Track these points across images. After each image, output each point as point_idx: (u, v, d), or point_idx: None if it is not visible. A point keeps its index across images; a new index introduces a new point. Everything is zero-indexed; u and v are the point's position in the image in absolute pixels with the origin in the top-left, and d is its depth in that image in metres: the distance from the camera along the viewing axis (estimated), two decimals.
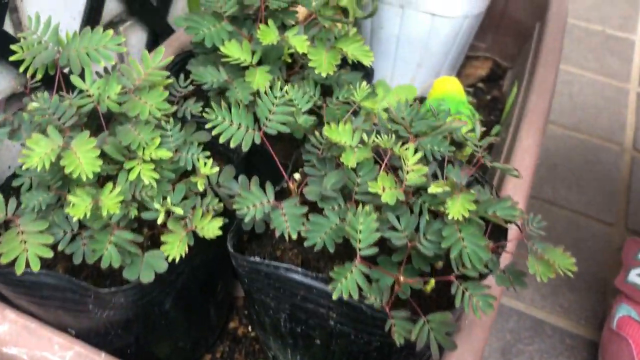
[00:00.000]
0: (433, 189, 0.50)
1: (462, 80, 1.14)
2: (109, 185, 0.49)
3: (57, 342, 0.57)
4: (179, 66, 0.72)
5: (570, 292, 1.11)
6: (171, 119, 0.55)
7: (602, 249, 1.22)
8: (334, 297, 0.45)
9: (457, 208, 0.48)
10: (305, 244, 0.49)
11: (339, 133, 0.54)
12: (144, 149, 0.53)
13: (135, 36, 0.86)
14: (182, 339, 0.66)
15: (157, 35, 0.89)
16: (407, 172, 0.51)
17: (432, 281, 0.47)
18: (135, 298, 0.53)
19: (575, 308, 1.10)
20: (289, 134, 0.73)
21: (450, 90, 0.94)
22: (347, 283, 0.46)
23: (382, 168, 0.53)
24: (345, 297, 0.45)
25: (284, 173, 0.57)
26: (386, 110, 0.61)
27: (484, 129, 0.63)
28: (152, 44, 0.89)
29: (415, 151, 0.57)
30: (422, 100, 1.06)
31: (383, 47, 1.03)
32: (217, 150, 0.68)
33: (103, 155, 0.54)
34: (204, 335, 0.70)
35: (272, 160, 0.56)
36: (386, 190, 0.49)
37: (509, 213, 0.50)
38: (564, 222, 1.26)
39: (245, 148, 0.54)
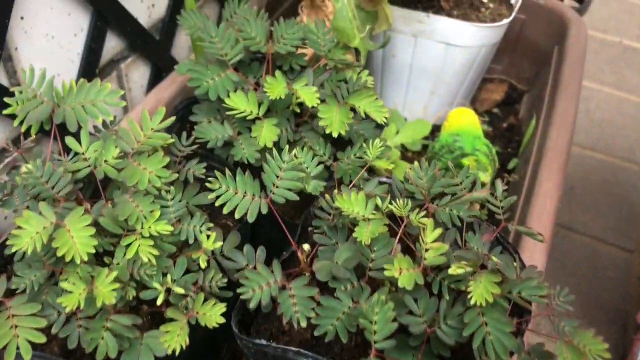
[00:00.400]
0: (454, 270, 0.46)
1: (477, 106, 1.10)
2: (104, 270, 0.46)
3: None
4: (181, 114, 0.69)
5: (589, 325, 1.07)
6: (172, 188, 0.52)
7: (622, 278, 1.18)
8: None
9: (480, 292, 0.45)
10: (316, 332, 0.46)
11: (352, 203, 0.51)
12: (142, 223, 0.49)
13: (138, 72, 0.83)
14: None
15: (161, 69, 0.86)
16: (426, 251, 0.48)
17: None
18: None
19: None
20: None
21: (466, 124, 0.90)
22: None
23: (397, 239, 0.49)
24: None
25: (292, 242, 0.53)
26: (402, 146, 0.57)
27: (505, 185, 0.59)
28: (156, 79, 0.86)
29: (434, 219, 0.54)
30: (435, 129, 1.02)
31: (395, 75, 0.99)
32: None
33: (99, 226, 0.50)
34: None
35: (278, 223, 0.53)
36: (403, 272, 0.46)
37: (534, 293, 0.46)
38: (581, 249, 1.22)
39: (250, 219, 0.50)
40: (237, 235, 0.55)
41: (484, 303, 0.45)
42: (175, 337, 0.45)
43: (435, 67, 0.94)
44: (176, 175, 0.52)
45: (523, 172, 0.88)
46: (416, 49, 0.92)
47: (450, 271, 0.46)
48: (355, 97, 0.58)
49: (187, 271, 0.51)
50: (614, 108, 1.54)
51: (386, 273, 0.46)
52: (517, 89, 1.16)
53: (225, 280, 0.51)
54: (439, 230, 0.48)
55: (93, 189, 0.56)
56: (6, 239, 0.56)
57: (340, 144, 0.64)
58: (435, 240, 0.48)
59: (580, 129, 1.48)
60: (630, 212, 1.30)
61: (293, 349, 0.48)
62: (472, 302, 0.45)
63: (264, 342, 0.49)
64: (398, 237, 0.50)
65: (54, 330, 0.48)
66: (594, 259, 1.20)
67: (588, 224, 1.26)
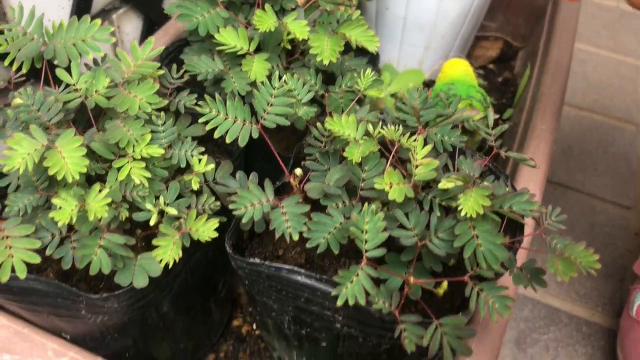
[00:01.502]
0: (444, 184, 0.46)
1: (471, 62, 1.10)
2: (96, 186, 0.46)
3: (51, 347, 0.54)
4: (173, 55, 0.69)
5: (586, 279, 1.08)
6: (162, 114, 0.52)
7: (619, 233, 1.18)
8: (339, 303, 0.42)
9: (471, 204, 0.45)
10: (308, 245, 0.46)
11: (342, 125, 0.51)
12: (134, 146, 0.49)
13: (130, 24, 0.83)
14: (183, 340, 0.63)
15: (154, 22, 0.86)
16: (416, 167, 0.48)
17: (445, 284, 0.44)
18: (129, 302, 0.50)
19: (592, 295, 1.06)
20: (290, 125, 0.70)
21: (461, 74, 0.90)
22: (352, 287, 0.43)
23: (389, 162, 0.49)
24: (351, 302, 0.42)
25: (284, 168, 0.53)
26: (394, 95, 0.57)
27: (497, 116, 0.59)
28: (148, 32, 0.86)
29: (425, 143, 0.54)
30: (430, 84, 1.02)
31: (389, 29, 0.98)
32: (215, 143, 0.64)
33: (91, 153, 0.51)
34: (206, 335, 0.67)
35: (271, 154, 0.53)
36: (393, 186, 0.46)
37: (525, 207, 0.46)
38: (579, 207, 1.22)
39: (242, 144, 0.50)
40: (230, 164, 0.55)
41: (474, 215, 0.45)
42: (168, 251, 0.45)
43: (429, 20, 0.94)
44: (166, 101, 0.52)
45: (517, 119, 0.88)
46: (410, 1, 0.92)
47: (441, 185, 0.47)
48: (346, 27, 0.58)
49: (180, 197, 0.51)
50: (610, 70, 1.54)
51: (376, 186, 0.46)
52: (513, 46, 1.16)
53: (219, 203, 0.51)
54: (429, 147, 0.48)
55: (85, 122, 0.56)
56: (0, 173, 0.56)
57: (332, 81, 0.64)
58: (425, 157, 0.48)
59: (577, 90, 1.48)
60: (627, 171, 1.30)
61: (286, 266, 0.48)
62: (462, 214, 0.45)
63: (257, 260, 0.49)
64: (390, 158, 0.50)
65: (48, 252, 0.48)
66: (591, 216, 1.20)
67: (585, 182, 1.27)
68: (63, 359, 0.54)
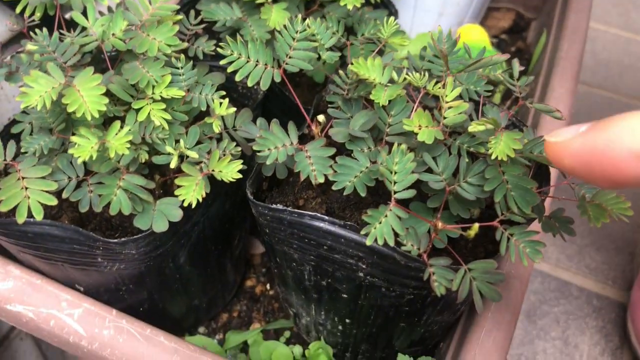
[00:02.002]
0: (474, 127, 0.45)
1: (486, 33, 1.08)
2: (116, 124, 0.44)
3: (65, 298, 0.53)
4: (189, 6, 0.67)
5: (597, 252, 1.07)
6: (182, 56, 0.51)
7: (630, 208, 1.17)
8: (368, 243, 0.41)
9: (502, 148, 0.44)
10: (334, 187, 0.45)
11: (368, 68, 0.49)
12: (153, 87, 0.48)
13: None
14: (198, 296, 0.62)
15: None
16: (445, 109, 0.46)
17: (476, 226, 0.43)
18: (147, 249, 0.49)
19: (603, 269, 1.06)
20: (308, 79, 0.69)
21: (476, 39, 0.89)
22: (381, 228, 0.42)
23: (416, 105, 0.48)
24: (380, 243, 0.41)
25: (306, 116, 0.52)
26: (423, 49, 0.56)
27: (522, 67, 0.58)
28: None
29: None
30: None
31: None
32: (231, 97, 0.63)
33: (110, 95, 0.49)
34: (221, 293, 0.66)
35: (290, 106, 0.52)
36: (422, 128, 0.45)
37: None
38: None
39: (264, 87, 0.49)
40: (249, 112, 0.53)
41: (505, 158, 0.43)
42: (190, 191, 0.44)
43: None
44: (186, 44, 0.51)
45: (533, 86, 0.87)
46: None
47: (471, 129, 0.45)
48: None
49: (200, 143, 0.50)
50: (620, 48, 1.52)
51: (405, 127, 0.44)
52: (525, 17, 1.14)
53: (240, 149, 0.50)
54: (459, 89, 0.47)
55: (101, 69, 0.55)
56: (14, 120, 0.54)
57: (352, 35, 0.63)
58: (454, 100, 0.47)
59: (586, 68, 1.46)
60: None
61: (309, 213, 0.47)
62: (492, 157, 0.44)
63: (280, 207, 0.48)
64: (417, 101, 0.49)
65: (64, 195, 0.47)
66: None
67: None
68: (77, 310, 0.53)
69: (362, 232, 0.41)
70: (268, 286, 0.71)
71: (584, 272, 1.05)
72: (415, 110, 0.48)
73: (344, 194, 0.45)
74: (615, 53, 1.51)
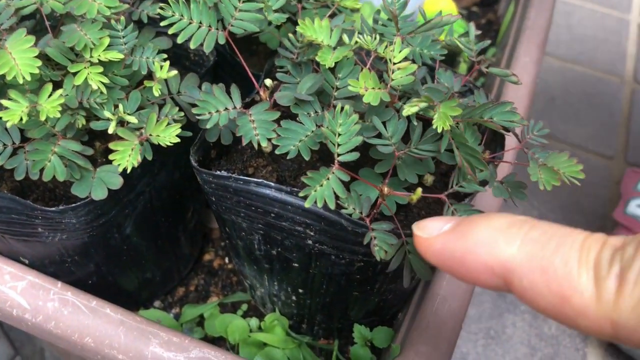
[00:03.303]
0: (407, 110, 0.42)
1: (455, 4, 1.06)
2: (48, 86, 0.43)
3: (8, 271, 0.51)
4: None
5: (568, 224, 1.06)
6: (122, 18, 0.49)
7: (601, 183, 1.17)
8: (307, 205, 0.40)
9: (442, 119, 0.42)
10: (277, 151, 0.43)
11: (315, 30, 0.48)
12: (91, 50, 0.46)
13: None
14: (150, 269, 0.60)
15: None
16: (393, 71, 0.45)
17: (419, 190, 0.41)
18: (88, 219, 0.47)
19: None
20: (264, 48, 0.67)
21: (443, 10, 0.87)
22: (322, 190, 0.40)
23: (366, 67, 0.47)
24: (319, 205, 0.40)
25: (254, 81, 0.50)
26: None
27: (478, 31, 0.56)
28: None
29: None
30: None
31: None
32: (183, 66, 0.61)
33: (47, 60, 0.47)
34: (176, 267, 0.65)
35: (244, 76, 0.50)
36: (369, 90, 0.43)
37: (507, 118, 0.44)
38: None
39: (207, 49, 0.47)
40: (195, 76, 0.52)
41: (447, 128, 0.42)
42: (126, 156, 0.42)
43: None
44: (126, 5, 0.49)
45: (500, 56, 0.85)
46: None
47: (404, 112, 0.43)
48: None
49: (142, 108, 0.48)
50: (596, 23, 1.52)
51: (350, 89, 0.43)
52: None
53: (183, 114, 0.48)
54: (407, 50, 0.45)
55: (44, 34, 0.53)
56: None
57: None
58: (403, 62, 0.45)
59: (561, 42, 1.45)
60: (611, 122, 1.29)
61: (255, 180, 0.45)
62: (436, 128, 0.42)
63: (224, 173, 0.46)
64: (368, 64, 0.47)
65: None
66: None
67: (568, 133, 1.25)
68: (20, 283, 0.51)
69: (301, 194, 0.40)
70: (226, 260, 0.70)
71: None
72: (364, 70, 0.46)
73: (287, 157, 0.43)
74: (591, 28, 1.50)
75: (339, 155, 0.42)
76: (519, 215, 0.30)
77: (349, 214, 0.41)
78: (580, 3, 1.57)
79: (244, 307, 0.65)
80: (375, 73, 0.48)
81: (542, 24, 0.81)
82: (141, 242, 0.56)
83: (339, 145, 0.42)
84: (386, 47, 0.48)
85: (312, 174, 0.40)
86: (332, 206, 0.40)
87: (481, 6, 1.09)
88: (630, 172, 1.06)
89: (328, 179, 0.41)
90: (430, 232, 0.32)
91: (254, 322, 0.60)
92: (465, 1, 1.08)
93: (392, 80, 0.45)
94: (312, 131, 0.45)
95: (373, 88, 0.44)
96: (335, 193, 0.40)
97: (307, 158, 0.43)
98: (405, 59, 0.46)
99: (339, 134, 0.42)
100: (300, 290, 0.55)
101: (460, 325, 0.52)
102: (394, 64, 0.45)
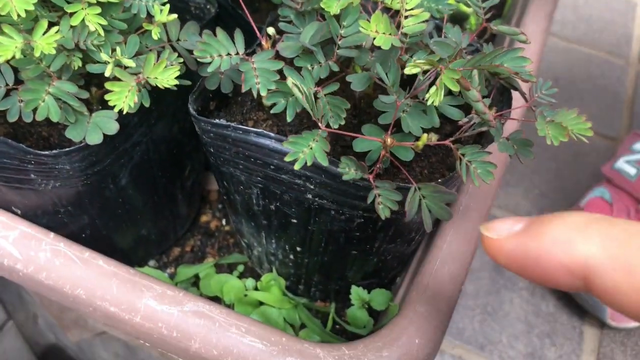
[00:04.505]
0: (409, 69, 0.41)
1: None
2: (44, 23, 0.41)
3: (0, 221, 0.50)
4: None
5: (570, 206, 1.06)
6: None
7: (603, 163, 1.16)
8: (296, 167, 0.39)
9: (436, 95, 0.40)
10: (272, 110, 0.42)
11: None
12: None
13: None
14: (146, 225, 0.59)
15: None
16: (406, 18, 0.43)
17: (425, 136, 0.40)
18: (82, 165, 0.46)
19: None
20: (268, 4, 0.66)
21: None
22: (311, 153, 0.39)
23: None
24: (309, 163, 0.39)
25: (256, 30, 0.49)
26: None
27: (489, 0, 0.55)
28: None
29: None
30: None
31: None
32: (183, 19, 0.59)
33: (43, 2, 0.46)
34: (172, 226, 0.64)
35: (246, 29, 0.48)
36: (380, 34, 0.42)
37: (519, 63, 0.43)
38: None
39: None
40: (196, 25, 0.50)
41: (437, 103, 0.40)
42: (122, 97, 0.41)
43: None
44: None
45: (508, 26, 0.84)
46: None
47: (407, 71, 0.42)
48: None
49: (140, 54, 0.47)
50: (602, 4, 1.50)
51: (362, 31, 0.41)
52: None
53: (182, 60, 0.47)
54: None
55: None
56: None
57: None
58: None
59: (567, 23, 1.44)
60: (614, 102, 1.28)
61: (255, 129, 0.44)
62: (428, 104, 0.40)
63: (223, 122, 0.45)
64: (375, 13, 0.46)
65: None
66: (575, 146, 1.18)
67: None
68: (12, 232, 0.50)
69: (287, 159, 0.39)
70: (224, 222, 0.68)
71: None
72: (376, 13, 0.45)
73: (271, 112, 0.43)
74: (597, 8, 1.49)
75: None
76: (595, 214, 0.28)
77: (350, 178, 0.40)
78: None
79: (241, 268, 0.64)
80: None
81: None
82: (137, 196, 0.54)
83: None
84: None
85: (294, 139, 0.39)
86: (324, 163, 0.39)
87: None
88: (633, 134, 1.06)
89: (311, 147, 0.40)
90: (500, 233, 0.31)
91: (250, 282, 0.59)
92: None
93: (404, 27, 0.44)
94: (309, 88, 0.44)
95: (384, 33, 0.42)
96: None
97: (289, 119, 0.43)
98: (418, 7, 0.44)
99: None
100: (298, 249, 0.54)
101: (459, 288, 0.51)
102: (406, 10, 0.44)
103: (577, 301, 0.94)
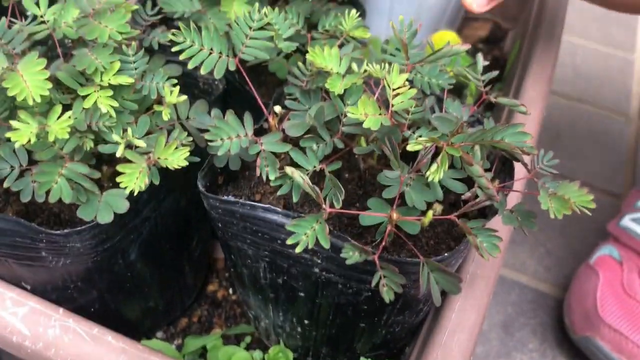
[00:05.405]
0: (412, 146, 0.42)
1: (460, 41, 1.07)
2: (58, 108, 0.43)
3: (9, 297, 0.51)
4: None
5: (576, 263, 1.05)
6: (134, 43, 0.49)
7: (608, 220, 1.16)
8: (298, 250, 0.40)
9: (437, 172, 0.41)
10: (279, 192, 0.44)
11: (325, 58, 0.48)
12: (101, 74, 0.46)
13: None
14: (153, 297, 0.60)
15: None
16: (394, 97, 0.45)
17: (430, 213, 0.41)
18: (93, 243, 0.47)
19: None
20: (274, 79, 0.67)
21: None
22: (313, 235, 0.40)
23: (376, 97, 0.47)
24: (311, 245, 0.40)
25: (263, 108, 0.50)
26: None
27: (486, 62, 0.57)
28: None
29: (411, 83, 0.51)
30: None
31: (376, 3, 0.96)
32: (192, 94, 0.61)
33: (57, 84, 0.48)
34: (179, 297, 0.64)
35: (253, 104, 0.50)
36: (369, 116, 0.43)
37: (519, 138, 0.44)
38: None
39: (217, 75, 0.47)
40: (205, 103, 0.52)
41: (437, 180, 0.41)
42: (133, 179, 0.42)
43: None
44: (138, 31, 0.49)
45: (507, 91, 0.86)
46: None
47: (409, 148, 0.43)
48: None
49: (150, 133, 0.48)
50: (600, 62, 1.53)
51: (350, 115, 0.43)
52: (502, 28, 1.14)
53: (191, 139, 0.48)
54: (405, 75, 0.45)
55: (54, 57, 0.53)
56: None
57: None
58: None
59: (566, 81, 1.46)
60: (617, 159, 1.28)
61: (262, 205, 0.45)
62: (429, 179, 0.41)
63: (232, 198, 0.46)
64: (377, 93, 0.47)
65: (6, 184, 0.45)
66: None
67: (575, 170, 1.24)
68: (22, 308, 0.50)
69: (289, 242, 0.40)
70: (230, 291, 0.69)
71: (561, 283, 1.03)
72: (362, 96, 0.46)
73: (277, 194, 0.44)
74: (595, 67, 1.51)
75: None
76: None
77: (353, 262, 0.41)
78: (584, 42, 1.58)
79: (248, 339, 0.64)
80: (384, 101, 0.49)
81: (549, 59, 0.81)
82: (145, 269, 0.55)
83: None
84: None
85: (297, 222, 0.40)
86: (326, 245, 0.40)
87: (487, 43, 1.11)
88: (634, 191, 1.07)
89: (314, 229, 0.40)
90: None
91: (257, 354, 0.59)
92: (471, 38, 1.09)
93: (393, 105, 0.45)
94: (314, 166, 0.45)
95: (373, 114, 0.43)
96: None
97: (295, 200, 0.44)
98: (407, 84, 0.46)
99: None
100: (306, 321, 0.54)
101: (469, 358, 0.51)
102: (393, 89, 0.45)
103: (591, 359, 0.93)
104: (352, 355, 0.57)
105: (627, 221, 1.01)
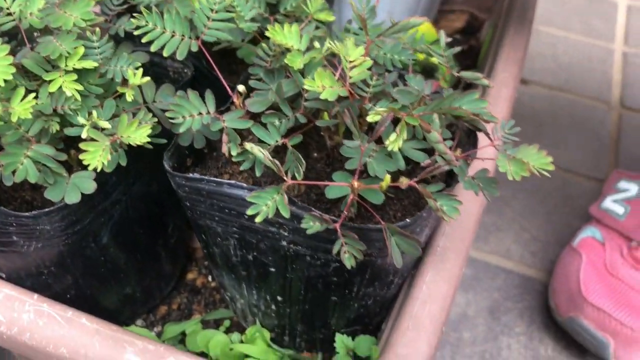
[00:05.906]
0: (372, 117, 0.43)
1: (435, 30, 1.09)
2: (21, 90, 0.43)
3: None
4: None
5: (562, 248, 1.06)
6: (98, 30, 0.50)
7: (592, 204, 1.17)
8: (258, 220, 0.40)
9: (396, 142, 0.42)
10: (241, 167, 0.44)
11: (285, 35, 0.49)
12: (66, 59, 0.47)
13: None
14: (130, 284, 0.60)
15: None
16: (350, 69, 0.46)
17: (388, 178, 0.42)
18: (63, 225, 0.48)
19: None
20: (245, 66, 0.68)
21: (424, 34, 0.89)
22: (273, 205, 0.41)
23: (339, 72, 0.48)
24: (271, 215, 0.40)
25: (229, 90, 0.51)
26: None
27: (449, 39, 0.58)
28: None
29: (374, 62, 0.52)
30: None
31: None
32: (161, 83, 0.62)
33: (24, 72, 0.48)
34: (157, 284, 0.64)
35: (222, 90, 0.51)
36: (326, 88, 0.44)
37: (476, 105, 0.45)
38: (553, 181, 1.21)
39: (180, 57, 0.48)
40: (171, 86, 0.53)
41: (396, 149, 0.42)
42: (96, 156, 0.43)
43: None
44: (102, 18, 0.50)
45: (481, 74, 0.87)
46: None
47: (369, 118, 0.44)
48: None
49: (116, 116, 0.49)
50: (581, 53, 1.54)
51: (307, 88, 0.44)
52: (479, 19, 1.15)
53: (156, 120, 0.49)
54: (361, 48, 0.46)
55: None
56: None
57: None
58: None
59: (547, 71, 1.48)
60: (599, 146, 1.30)
61: (228, 181, 0.46)
62: (389, 149, 0.43)
63: (197, 176, 0.47)
64: (339, 71, 0.48)
65: None
66: (564, 189, 1.19)
67: (558, 158, 1.25)
68: None
69: (249, 212, 0.41)
70: (210, 278, 0.69)
71: (547, 268, 1.04)
72: (319, 69, 0.47)
73: (240, 168, 0.45)
74: (576, 57, 1.53)
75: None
76: None
77: (314, 231, 0.41)
78: (565, 34, 1.60)
79: (227, 323, 0.64)
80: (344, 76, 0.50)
81: (521, 41, 0.82)
82: (119, 254, 0.56)
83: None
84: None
85: (258, 193, 0.41)
86: (286, 215, 0.41)
87: (463, 34, 1.12)
88: (615, 173, 1.08)
89: (274, 200, 0.41)
90: None
91: (235, 336, 0.59)
92: (448, 29, 1.10)
93: (350, 77, 0.46)
94: (276, 140, 0.46)
95: (331, 86, 0.44)
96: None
97: (258, 174, 0.44)
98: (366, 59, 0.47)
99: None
100: (279, 298, 0.54)
101: (440, 329, 0.52)
102: (350, 62, 0.46)
103: (578, 341, 0.93)
104: (328, 331, 0.58)
105: (608, 202, 1.02)
